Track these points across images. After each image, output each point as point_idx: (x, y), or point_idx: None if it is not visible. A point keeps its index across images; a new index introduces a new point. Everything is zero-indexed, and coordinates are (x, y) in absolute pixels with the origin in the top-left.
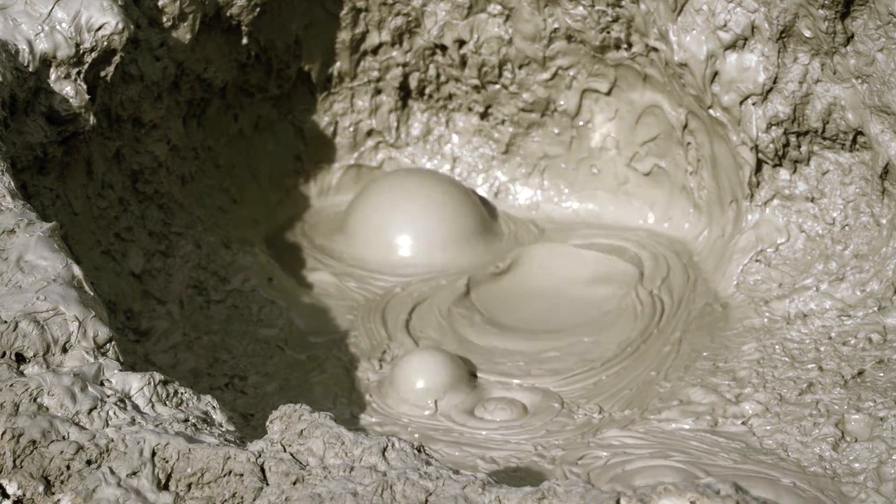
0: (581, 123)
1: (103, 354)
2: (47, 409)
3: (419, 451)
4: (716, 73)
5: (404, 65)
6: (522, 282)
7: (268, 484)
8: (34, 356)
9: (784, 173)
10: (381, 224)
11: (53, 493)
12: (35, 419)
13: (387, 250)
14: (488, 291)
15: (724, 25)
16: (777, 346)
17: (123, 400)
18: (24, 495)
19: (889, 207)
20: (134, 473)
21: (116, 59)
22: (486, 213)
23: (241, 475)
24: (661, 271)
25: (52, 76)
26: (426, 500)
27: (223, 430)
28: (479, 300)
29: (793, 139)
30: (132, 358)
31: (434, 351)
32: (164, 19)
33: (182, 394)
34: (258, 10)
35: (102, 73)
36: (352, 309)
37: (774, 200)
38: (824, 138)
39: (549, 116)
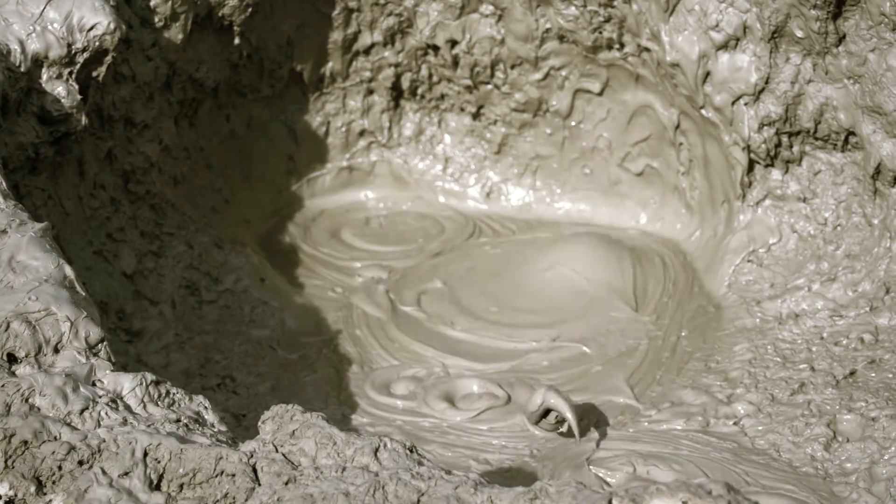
0: (573, 124)
1: (95, 355)
2: (39, 409)
3: (411, 451)
4: (708, 74)
5: (396, 65)
6: (499, 282)
7: (260, 484)
8: (26, 356)
9: (776, 173)
10: None
11: (45, 494)
12: (27, 419)
13: None
14: (468, 291)
15: (716, 25)
16: (769, 347)
17: (115, 400)
18: (15, 495)
19: (881, 207)
20: (126, 474)
21: (108, 59)
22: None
23: (233, 475)
24: (656, 275)
25: (44, 76)
26: (418, 501)
27: (215, 430)
28: (460, 300)
29: (785, 139)
30: (124, 358)
31: None
32: (156, 19)
33: (174, 394)
34: (250, 10)
35: (94, 74)
36: (343, 309)
37: (766, 200)
38: (816, 138)
39: (541, 116)
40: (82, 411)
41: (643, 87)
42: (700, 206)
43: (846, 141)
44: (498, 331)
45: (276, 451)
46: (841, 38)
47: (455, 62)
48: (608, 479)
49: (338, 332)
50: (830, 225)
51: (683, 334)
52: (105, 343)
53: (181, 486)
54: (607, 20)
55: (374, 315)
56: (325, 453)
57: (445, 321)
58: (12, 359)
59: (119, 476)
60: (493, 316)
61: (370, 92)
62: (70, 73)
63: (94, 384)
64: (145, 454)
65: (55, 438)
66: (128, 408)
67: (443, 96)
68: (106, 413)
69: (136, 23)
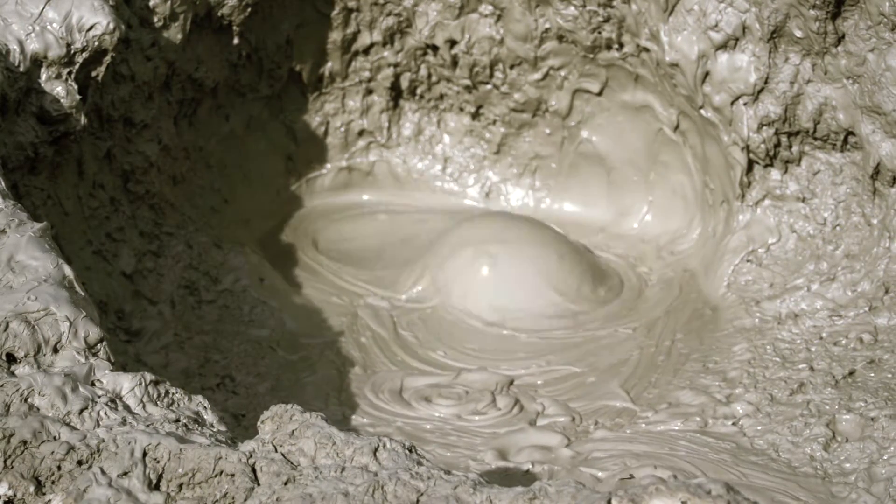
0: (573, 124)
1: (94, 355)
2: (38, 409)
3: (410, 451)
4: (707, 74)
5: (395, 65)
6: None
7: (259, 484)
8: (25, 356)
9: (775, 173)
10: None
11: (44, 494)
12: (26, 419)
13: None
14: (446, 318)
15: (716, 26)
16: (768, 347)
17: (114, 400)
18: (14, 495)
19: (880, 207)
20: (125, 474)
21: (107, 59)
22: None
23: (233, 475)
24: (653, 274)
25: (44, 76)
26: (417, 501)
27: (214, 430)
28: (438, 331)
29: (784, 139)
30: (123, 358)
31: None
32: (156, 19)
33: (173, 394)
34: (249, 9)
35: (93, 73)
36: (347, 315)
37: (766, 201)
38: (815, 138)
39: (540, 116)
40: (81, 411)
41: (642, 87)
42: (699, 206)
43: (845, 141)
44: (484, 360)
45: (276, 450)
46: (840, 38)
47: (454, 62)
48: (598, 475)
49: (340, 335)
50: (830, 225)
51: (678, 337)
52: (104, 343)
53: (180, 486)
54: (606, 20)
55: (378, 331)
56: (325, 453)
57: (433, 348)
58: (11, 359)
59: (118, 476)
60: (474, 353)
61: (369, 92)
62: (69, 73)
63: (93, 384)
64: (144, 454)
65: (54, 438)
66: (127, 408)
67: (442, 96)
68: (105, 413)
69: (136, 23)
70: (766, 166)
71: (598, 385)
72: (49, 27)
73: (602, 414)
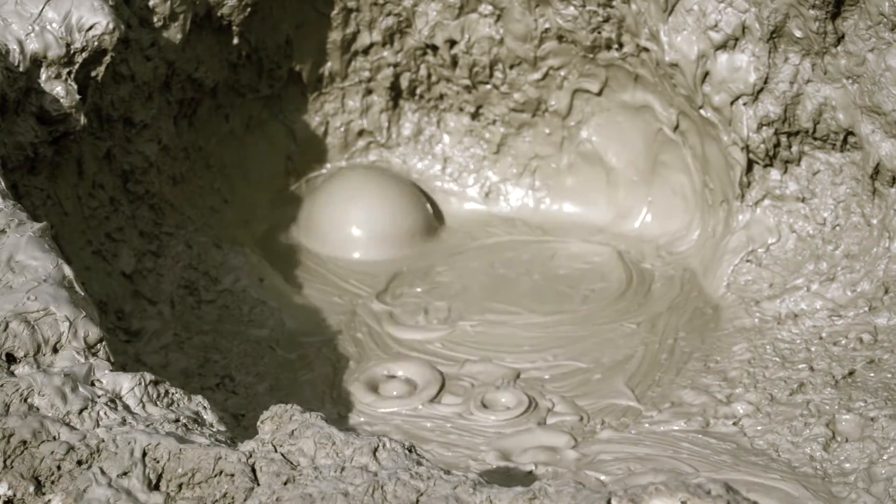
0: (572, 124)
1: (94, 354)
2: (38, 409)
3: (410, 451)
4: (707, 74)
5: (395, 65)
6: (499, 291)
7: (259, 484)
8: (25, 356)
9: (775, 173)
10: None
11: (44, 494)
12: (25, 419)
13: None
14: (472, 306)
15: (715, 25)
16: (768, 347)
17: (114, 400)
18: (14, 495)
19: (880, 207)
20: (125, 474)
21: (107, 59)
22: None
23: (232, 475)
24: (652, 274)
25: (43, 76)
26: (417, 501)
27: (214, 430)
28: (462, 312)
29: (784, 139)
30: (123, 358)
31: None
32: (155, 19)
33: (173, 394)
34: (249, 9)
35: (93, 73)
36: (346, 314)
37: (765, 201)
38: (815, 138)
39: (540, 117)
40: (81, 411)
41: (642, 87)
42: (699, 207)
43: (845, 141)
44: (488, 352)
45: (275, 450)
46: (840, 38)
47: (454, 62)
48: (602, 479)
49: (338, 333)
50: (829, 225)
51: (681, 335)
52: (104, 343)
53: (180, 486)
54: (606, 20)
55: (374, 327)
56: (324, 453)
57: (433, 342)
58: (11, 358)
59: (118, 476)
60: (477, 344)
61: (369, 92)
62: (69, 73)
63: (92, 384)
64: (144, 454)
65: (54, 438)
66: (127, 408)
67: (441, 96)
68: (105, 413)
69: (135, 23)
70: (765, 166)
71: (603, 382)
72: (49, 27)
73: (608, 413)
